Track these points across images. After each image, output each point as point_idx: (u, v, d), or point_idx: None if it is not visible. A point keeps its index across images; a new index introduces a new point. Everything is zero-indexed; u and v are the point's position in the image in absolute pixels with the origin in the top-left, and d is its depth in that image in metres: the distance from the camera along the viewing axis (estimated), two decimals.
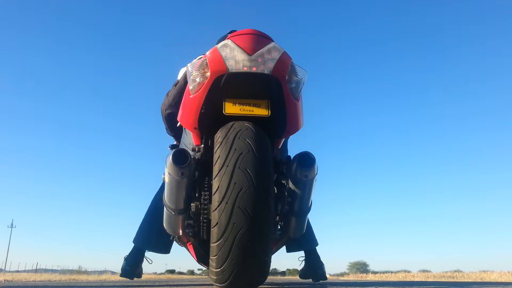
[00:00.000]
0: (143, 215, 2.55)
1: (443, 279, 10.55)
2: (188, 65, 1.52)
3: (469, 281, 7.45)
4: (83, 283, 3.72)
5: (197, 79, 1.47)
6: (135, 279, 2.57)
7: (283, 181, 1.65)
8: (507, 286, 2.84)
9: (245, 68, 1.41)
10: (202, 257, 2.09)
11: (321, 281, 2.68)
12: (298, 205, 1.66)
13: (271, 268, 1.43)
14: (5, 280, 5.71)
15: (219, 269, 1.24)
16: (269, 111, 1.45)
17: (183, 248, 2.30)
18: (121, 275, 2.51)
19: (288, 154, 1.84)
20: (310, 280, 2.67)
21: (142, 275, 2.65)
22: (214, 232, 1.25)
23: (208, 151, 1.57)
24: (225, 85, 1.44)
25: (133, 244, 2.53)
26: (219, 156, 1.33)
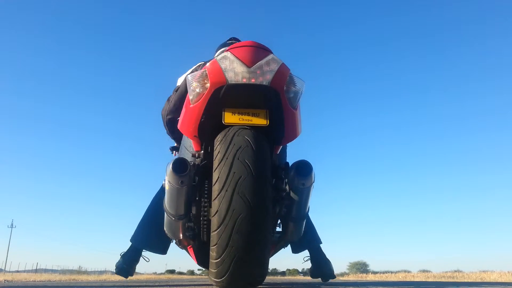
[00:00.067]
0: (142, 215, 2.54)
1: (443, 279, 10.56)
2: (189, 75, 1.55)
3: (469, 281, 7.45)
4: (83, 283, 3.73)
5: (197, 90, 1.51)
6: (128, 278, 2.56)
7: (281, 186, 1.70)
8: (507, 286, 2.84)
9: (244, 80, 1.45)
10: (202, 260, 2.13)
11: (330, 280, 2.67)
12: (296, 211, 1.72)
13: (271, 268, 1.46)
14: (5, 280, 5.72)
15: (219, 259, 1.27)
16: (268, 121, 1.49)
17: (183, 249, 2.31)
18: (117, 273, 2.49)
19: (287, 160, 1.89)
20: (319, 279, 2.66)
21: (142, 275, 2.66)
22: (215, 220, 1.30)
23: (208, 157, 1.61)
24: (225, 95, 1.48)
25: (130, 243, 2.52)
26: (219, 151, 1.39)
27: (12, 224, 52.40)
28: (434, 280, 8.90)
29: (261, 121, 1.48)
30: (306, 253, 2.64)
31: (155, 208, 2.41)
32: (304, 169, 1.63)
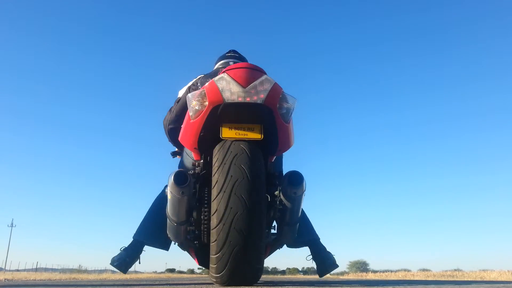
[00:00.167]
0: (144, 214, 2.56)
1: (443, 278, 10.58)
2: (189, 94, 1.73)
3: (469, 280, 7.47)
4: (83, 282, 3.73)
5: (196, 107, 1.68)
6: (129, 277, 2.56)
7: (275, 193, 1.85)
8: (507, 285, 2.84)
9: (240, 99, 1.61)
10: (203, 260, 2.30)
11: (321, 279, 2.68)
12: (289, 216, 1.89)
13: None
14: (5, 279, 5.73)
15: (219, 253, 1.42)
16: (262, 135, 1.65)
17: None
18: (117, 265, 2.45)
19: (283, 168, 2.11)
20: (329, 275, 2.69)
21: (142, 274, 2.66)
22: (214, 218, 1.45)
23: (207, 167, 1.79)
24: (222, 113, 1.64)
25: (132, 240, 2.53)
26: (217, 158, 1.56)
27: (12, 223, 52.46)
28: (434, 279, 8.91)
29: (256, 135, 1.64)
30: (307, 252, 2.66)
31: (159, 207, 2.44)
32: (295, 179, 1.78)
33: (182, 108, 2.27)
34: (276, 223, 2.01)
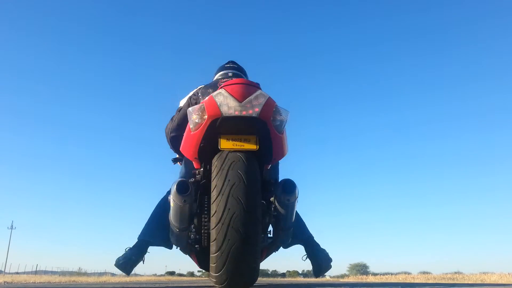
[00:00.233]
0: (146, 216, 2.64)
1: (443, 281, 10.57)
2: (189, 108, 1.87)
3: (470, 282, 7.46)
4: (83, 284, 3.73)
5: (196, 120, 1.82)
6: (129, 280, 2.57)
7: (271, 199, 1.98)
8: (508, 287, 2.84)
9: (236, 113, 1.74)
10: (203, 263, 2.43)
11: (320, 282, 2.69)
12: (283, 221, 2.04)
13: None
14: (5, 282, 5.73)
15: (218, 252, 1.51)
16: (257, 146, 1.77)
17: None
18: (122, 264, 2.46)
19: (279, 175, 2.26)
20: (328, 278, 2.70)
21: (142, 277, 2.68)
22: (213, 219, 1.56)
23: (206, 176, 1.93)
24: (220, 125, 1.78)
25: (137, 240, 2.58)
26: (216, 166, 1.69)
27: (12, 226, 52.39)
28: (435, 282, 8.90)
29: (251, 146, 1.76)
30: (303, 252, 2.68)
31: (163, 209, 2.52)
32: (289, 187, 1.91)
33: (183, 118, 2.40)
34: (272, 227, 2.15)
